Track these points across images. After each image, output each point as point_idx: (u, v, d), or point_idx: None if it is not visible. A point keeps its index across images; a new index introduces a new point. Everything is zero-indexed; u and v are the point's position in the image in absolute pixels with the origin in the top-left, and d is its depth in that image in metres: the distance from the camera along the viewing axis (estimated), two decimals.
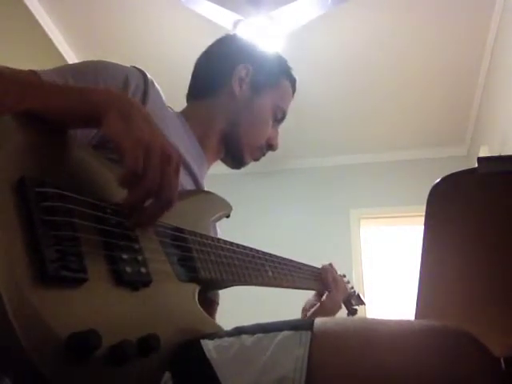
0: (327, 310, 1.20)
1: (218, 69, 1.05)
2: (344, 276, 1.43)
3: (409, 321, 0.55)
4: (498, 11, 2.75)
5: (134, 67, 0.86)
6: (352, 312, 1.36)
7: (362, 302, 1.43)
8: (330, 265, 1.33)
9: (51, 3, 3.00)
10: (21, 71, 0.68)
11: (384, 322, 0.54)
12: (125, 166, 0.53)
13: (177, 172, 0.58)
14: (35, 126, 0.54)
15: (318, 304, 1.21)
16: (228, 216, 0.95)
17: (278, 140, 1.11)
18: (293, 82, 1.12)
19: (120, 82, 0.80)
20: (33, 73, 0.71)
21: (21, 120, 0.53)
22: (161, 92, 0.91)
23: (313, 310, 1.21)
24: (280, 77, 1.08)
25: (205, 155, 1.02)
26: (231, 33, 2.65)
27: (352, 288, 1.44)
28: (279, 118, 1.09)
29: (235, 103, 1.02)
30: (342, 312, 1.35)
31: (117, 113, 0.56)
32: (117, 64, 0.83)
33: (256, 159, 1.09)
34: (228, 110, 1.02)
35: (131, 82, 0.81)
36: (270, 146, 1.08)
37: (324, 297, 1.22)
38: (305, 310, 1.23)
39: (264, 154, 1.09)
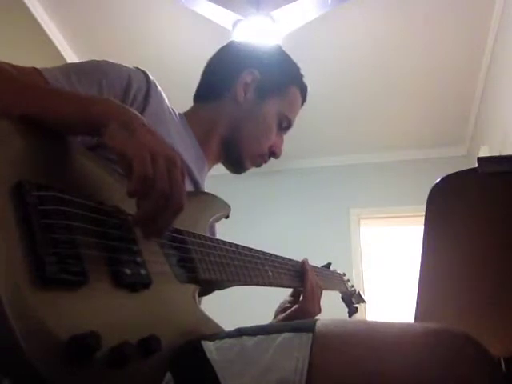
0: (303, 313, 1.05)
1: (224, 73, 1.03)
2: (344, 274, 1.44)
3: (409, 323, 0.55)
4: (498, 11, 2.75)
5: (137, 68, 0.86)
6: (352, 310, 1.36)
7: (362, 300, 1.43)
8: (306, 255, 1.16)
9: (52, 4, 3.00)
10: (23, 68, 0.68)
11: (384, 325, 0.54)
12: (133, 173, 0.52)
13: (183, 175, 0.58)
14: (33, 129, 0.54)
15: (296, 306, 1.07)
16: (227, 217, 0.95)
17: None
18: (303, 90, 1.08)
19: (123, 82, 0.80)
20: (35, 70, 0.70)
21: (19, 123, 0.52)
22: (163, 93, 0.91)
23: (286, 312, 1.07)
24: (289, 84, 1.05)
25: (205, 157, 1.01)
26: (232, 33, 2.65)
27: (352, 286, 1.44)
28: (284, 126, 1.05)
29: (238, 109, 1.00)
30: (342, 308, 1.35)
31: (117, 123, 0.55)
32: (120, 64, 0.83)
33: (257, 166, 1.06)
34: (230, 115, 1.00)
35: (134, 83, 0.81)
36: (273, 154, 1.04)
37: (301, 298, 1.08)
38: (277, 313, 1.11)
39: (266, 161, 1.06)
